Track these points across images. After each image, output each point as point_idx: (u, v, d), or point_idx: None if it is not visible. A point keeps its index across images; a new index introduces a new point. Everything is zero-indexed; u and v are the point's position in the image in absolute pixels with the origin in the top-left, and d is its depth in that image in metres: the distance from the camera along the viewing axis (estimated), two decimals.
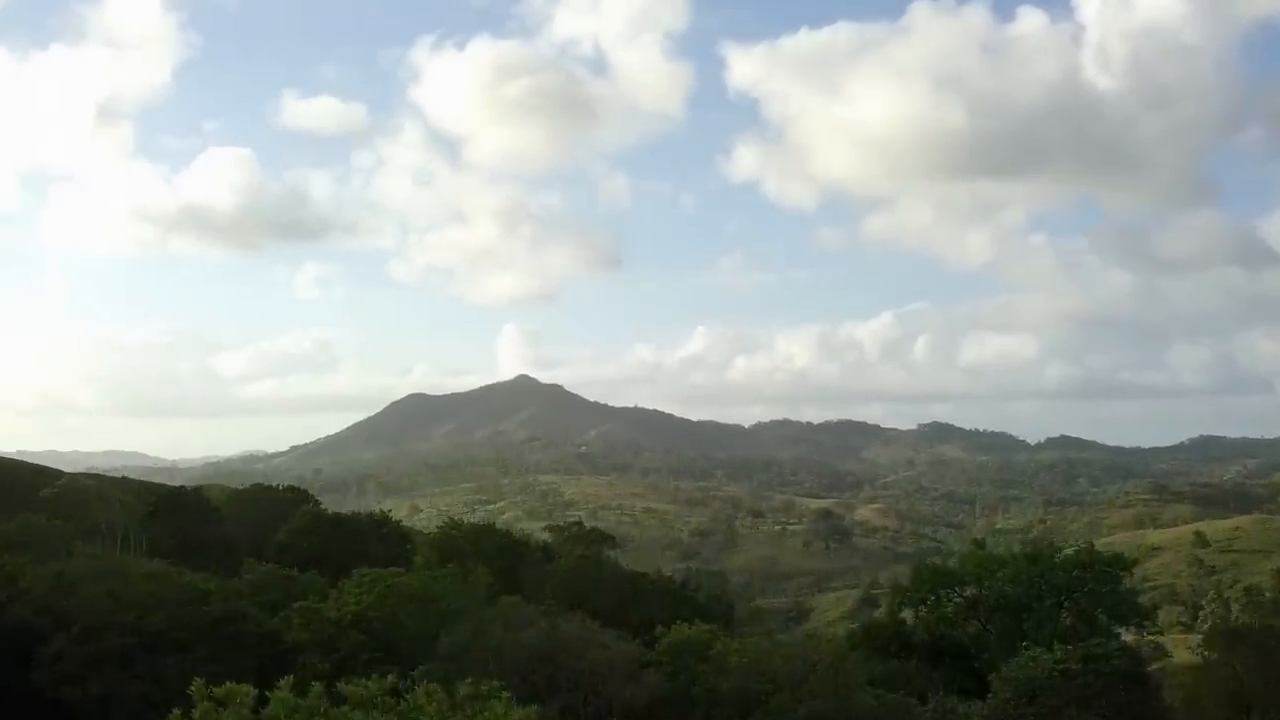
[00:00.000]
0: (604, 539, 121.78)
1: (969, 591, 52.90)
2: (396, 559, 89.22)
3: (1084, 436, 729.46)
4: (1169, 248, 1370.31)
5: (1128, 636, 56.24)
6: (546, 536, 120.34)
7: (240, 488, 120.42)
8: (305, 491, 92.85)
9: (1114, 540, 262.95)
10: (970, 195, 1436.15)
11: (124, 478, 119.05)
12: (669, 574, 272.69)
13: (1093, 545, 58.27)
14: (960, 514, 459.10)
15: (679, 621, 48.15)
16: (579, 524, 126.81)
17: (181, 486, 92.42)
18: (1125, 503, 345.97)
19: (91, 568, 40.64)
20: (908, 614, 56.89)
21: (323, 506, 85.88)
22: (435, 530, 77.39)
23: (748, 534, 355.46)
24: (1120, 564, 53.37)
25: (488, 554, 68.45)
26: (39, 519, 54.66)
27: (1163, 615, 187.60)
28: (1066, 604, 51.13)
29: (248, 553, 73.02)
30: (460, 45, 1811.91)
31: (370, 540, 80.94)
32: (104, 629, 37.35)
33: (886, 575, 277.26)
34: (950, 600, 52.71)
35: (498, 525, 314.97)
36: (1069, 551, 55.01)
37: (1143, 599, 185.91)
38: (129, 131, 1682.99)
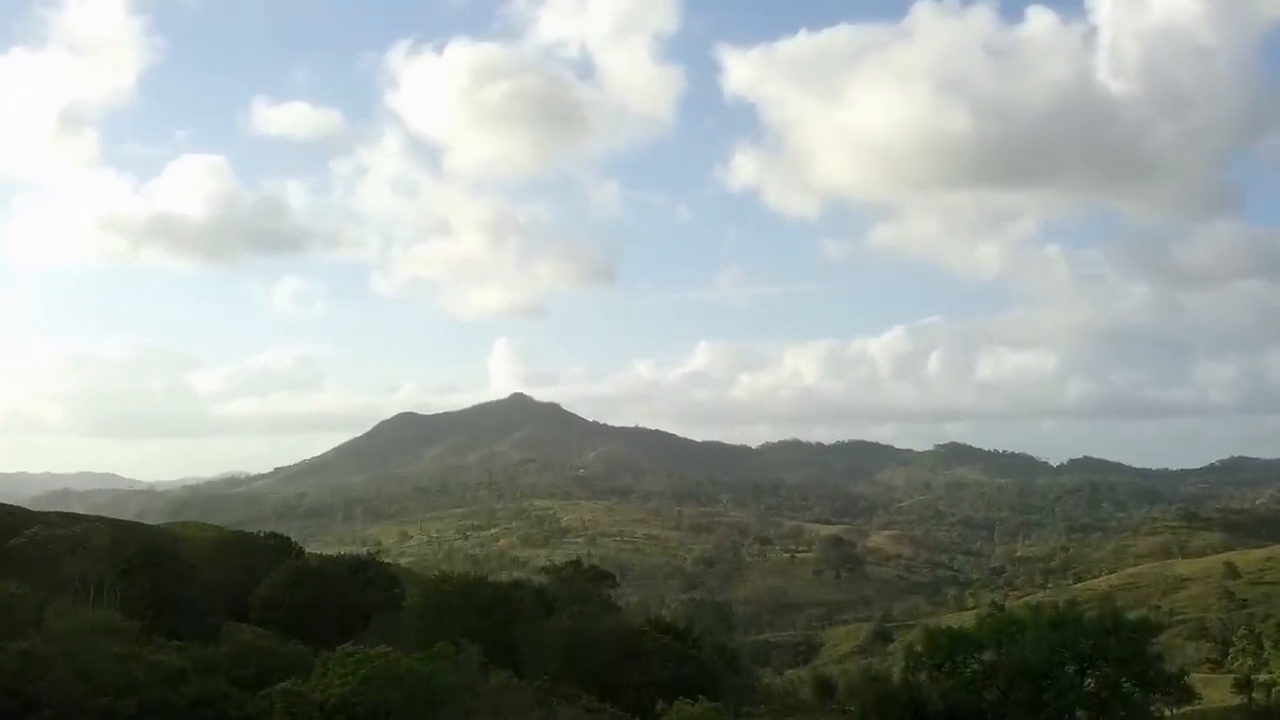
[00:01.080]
0: (603, 577, 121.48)
1: (988, 656, 52.76)
2: (384, 604, 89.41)
3: (1108, 458, 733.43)
4: (1190, 259, 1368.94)
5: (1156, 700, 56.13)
6: (543, 578, 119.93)
7: (220, 526, 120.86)
8: (287, 539, 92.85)
9: (1140, 570, 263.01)
10: (978, 204, 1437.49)
11: (98, 518, 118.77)
12: (672, 605, 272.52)
13: (1117, 610, 58.04)
14: (978, 540, 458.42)
15: (681, 695, 47.91)
16: (577, 563, 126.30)
17: (157, 538, 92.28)
18: (1152, 530, 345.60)
19: (61, 645, 40.48)
20: (924, 674, 56.65)
21: (306, 555, 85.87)
22: (426, 581, 77.15)
23: (755, 562, 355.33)
24: (1146, 629, 53.28)
25: (480, 609, 68.32)
26: (5, 586, 54.44)
27: (1191, 651, 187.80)
28: (1090, 671, 51.04)
29: (229, 607, 73.02)
30: (439, 49, 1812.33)
31: (357, 587, 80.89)
32: (75, 715, 37.18)
33: (901, 607, 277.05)
34: (968, 665, 52.58)
35: (492, 552, 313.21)
36: (1092, 614, 54.82)
37: (1170, 634, 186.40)
38: (94, 138, 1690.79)
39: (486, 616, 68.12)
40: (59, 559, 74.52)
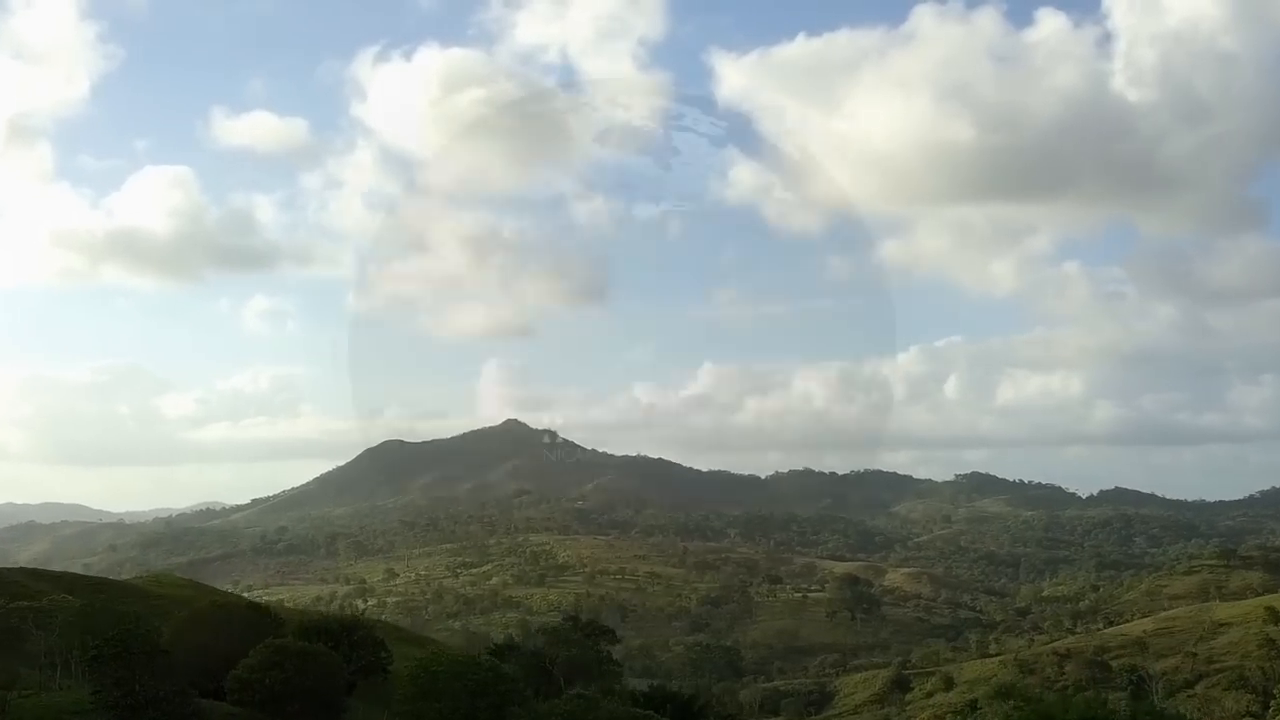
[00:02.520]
0: (602, 632, 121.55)
1: None
2: (369, 671, 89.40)
3: (1141, 489, 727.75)
4: (1216, 276, 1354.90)
5: None
6: (539, 640, 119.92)
7: (196, 581, 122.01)
8: (267, 609, 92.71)
9: (1175, 614, 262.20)
10: (989, 219, 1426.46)
11: (64, 575, 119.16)
12: (676, 649, 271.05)
13: (1152, 706, 58.28)
14: (1003, 578, 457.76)
15: None
16: (575, 619, 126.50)
17: (127, 598, 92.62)
18: (1188, 569, 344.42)
19: None
20: None
21: (284, 623, 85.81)
22: (416, 658, 77.21)
23: (764, 603, 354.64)
24: None
25: (472, 690, 68.22)
26: None
27: (1229, 703, 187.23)
28: None
29: (204, 682, 73.00)
30: (408, 55, 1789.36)
31: (341, 657, 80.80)
32: None
33: (920, 652, 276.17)
34: None
35: (484, 591, 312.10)
36: (1124, 705, 55.01)
37: (1207, 684, 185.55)
38: (46, 151, 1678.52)
39: (479, 698, 68.05)
40: (25, 633, 74.94)
